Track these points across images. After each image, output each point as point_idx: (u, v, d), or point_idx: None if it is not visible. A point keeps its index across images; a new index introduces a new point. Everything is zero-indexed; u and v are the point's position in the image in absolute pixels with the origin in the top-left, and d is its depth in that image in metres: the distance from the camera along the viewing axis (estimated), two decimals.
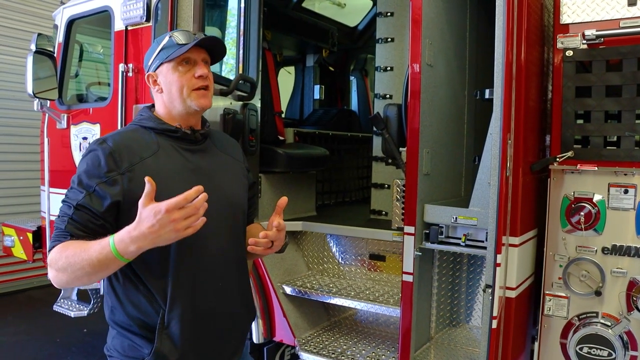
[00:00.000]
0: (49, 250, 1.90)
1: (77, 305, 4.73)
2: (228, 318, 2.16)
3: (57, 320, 5.62)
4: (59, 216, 1.94)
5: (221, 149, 2.27)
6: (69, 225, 1.89)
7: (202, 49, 2.12)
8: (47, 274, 4.92)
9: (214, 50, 2.17)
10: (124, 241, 1.74)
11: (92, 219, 1.90)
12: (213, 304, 2.09)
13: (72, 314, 4.62)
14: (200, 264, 2.04)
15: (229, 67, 4.12)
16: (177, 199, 1.70)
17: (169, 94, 2.10)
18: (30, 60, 4.36)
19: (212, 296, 2.08)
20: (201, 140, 2.18)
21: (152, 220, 1.70)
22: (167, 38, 2.12)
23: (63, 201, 1.95)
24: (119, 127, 4.07)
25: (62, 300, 4.83)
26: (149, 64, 2.15)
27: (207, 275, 2.06)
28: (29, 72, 4.35)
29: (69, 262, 1.81)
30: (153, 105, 2.22)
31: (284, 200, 2.12)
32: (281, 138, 4.72)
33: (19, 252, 5.24)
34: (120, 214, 1.94)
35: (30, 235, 5.02)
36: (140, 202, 1.73)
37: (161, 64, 2.10)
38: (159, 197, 1.91)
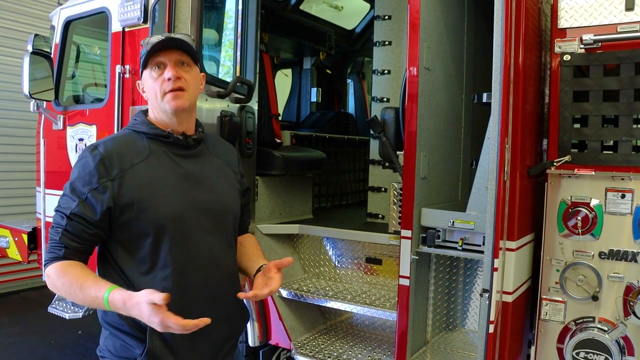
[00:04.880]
0: (46, 263, 1.94)
1: (72, 307, 4.70)
2: (220, 321, 2.15)
3: (51, 321, 5.59)
4: (52, 226, 1.96)
5: (215, 154, 2.27)
6: (63, 237, 1.92)
7: (175, 50, 2.08)
8: (42, 275, 4.91)
9: (187, 49, 2.12)
10: (117, 306, 1.80)
11: (85, 228, 1.93)
12: (204, 307, 2.08)
13: (67, 316, 4.59)
14: (190, 268, 2.04)
15: (226, 70, 4.12)
16: (186, 325, 1.75)
17: (149, 99, 2.13)
18: (26, 61, 4.34)
19: (202, 299, 2.09)
20: (194, 146, 2.18)
21: (153, 320, 1.74)
22: (143, 46, 2.13)
23: (56, 210, 1.97)
24: (116, 129, 4.05)
25: (57, 302, 4.80)
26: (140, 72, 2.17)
27: (198, 279, 2.06)
28: (25, 73, 4.33)
29: (64, 290, 1.90)
30: (146, 110, 2.23)
31: (288, 261, 2.12)
32: (278, 141, 4.72)
33: (14, 254, 5.21)
34: (112, 220, 1.97)
35: (25, 237, 4.99)
36: (152, 306, 1.74)
37: (142, 71, 2.12)
38: (148, 202, 1.96)
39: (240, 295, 2.04)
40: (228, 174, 2.28)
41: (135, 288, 1.95)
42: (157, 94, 2.07)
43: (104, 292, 1.80)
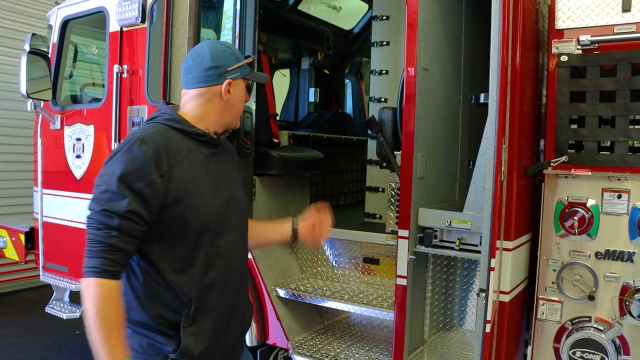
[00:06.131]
0: (95, 270, 1.83)
1: (70, 307, 4.71)
2: (240, 314, 2.25)
3: (49, 322, 5.59)
4: (97, 227, 1.85)
5: (227, 153, 2.33)
6: (118, 240, 1.84)
7: None
8: (39, 275, 4.84)
9: None
10: None
11: (138, 226, 1.88)
12: (232, 302, 2.17)
13: (64, 316, 4.59)
14: (225, 266, 2.10)
15: None
16: None
17: (232, 106, 2.16)
18: (24, 60, 4.34)
19: (231, 294, 2.16)
20: (219, 145, 2.22)
21: None
22: (249, 58, 2.19)
23: (100, 210, 1.86)
24: (113, 128, 4.05)
25: (54, 302, 4.80)
26: (229, 69, 2.11)
27: (229, 276, 2.13)
28: (22, 73, 4.33)
29: (97, 312, 1.82)
30: (169, 103, 2.23)
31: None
32: (276, 141, 4.72)
33: (11, 254, 5.21)
34: (157, 216, 1.94)
35: (22, 237, 4.99)
36: None
37: (240, 77, 2.15)
38: (192, 199, 1.97)
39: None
40: (237, 172, 2.35)
41: (166, 281, 1.97)
42: (242, 107, 2.22)
43: (125, 356, 1.83)
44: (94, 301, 1.81)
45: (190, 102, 2.13)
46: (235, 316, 2.19)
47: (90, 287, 1.83)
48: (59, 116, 4.59)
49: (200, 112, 2.12)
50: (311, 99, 6.52)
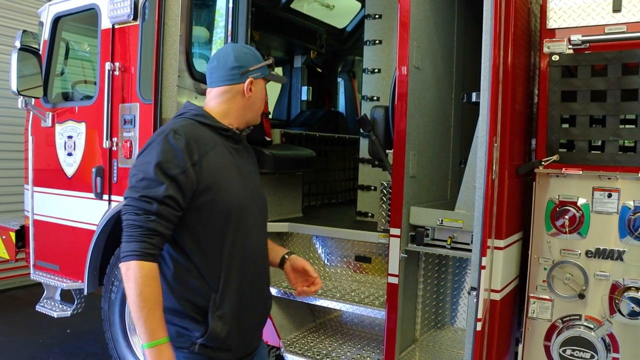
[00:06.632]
0: (135, 253, 1.90)
1: (60, 306, 4.68)
2: (261, 301, 2.32)
3: (39, 320, 5.55)
4: (137, 214, 1.93)
5: (249, 152, 2.42)
6: (157, 224, 1.93)
7: None
8: (30, 273, 4.80)
9: None
10: (161, 356, 1.90)
11: (175, 211, 1.97)
12: (253, 289, 2.24)
13: (55, 315, 4.57)
14: (247, 256, 2.18)
15: None
16: None
17: (252, 104, 2.26)
18: (14, 57, 4.31)
19: (253, 282, 2.24)
20: (241, 141, 2.31)
21: None
22: (269, 60, 2.32)
23: (139, 197, 1.94)
24: (105, 126, 4.03)
25: (45, 301, 4.77)
26: (251, 69, 2.23)
27: (251, 265, 2.22)
28: (13, 70, 4.30)
29: (141, 291, 1.88)
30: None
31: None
32: (268, 139, 4.70)
33: (2, 252, 5.18)
34: (189, 203, 2.03)
35: (13, 235, 4.96)
36: None
37: (261, 77, 2.27)
38: (218, 189, 2.08)
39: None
40: (257, 170, 2.44)
41: (197, 267, 2.07)
42: (262, 106, 2.32)
43: (164, 336, 1.91)
44: (136, 282, 1.89)
45: (214, 100, 2.25)
46: (255, 306, 2.27)
47: (131, 269, 1.90)
48: (50, 114, 4.56)
49: (224, 108, 2.23)
50: (304, 97, 6.51)
